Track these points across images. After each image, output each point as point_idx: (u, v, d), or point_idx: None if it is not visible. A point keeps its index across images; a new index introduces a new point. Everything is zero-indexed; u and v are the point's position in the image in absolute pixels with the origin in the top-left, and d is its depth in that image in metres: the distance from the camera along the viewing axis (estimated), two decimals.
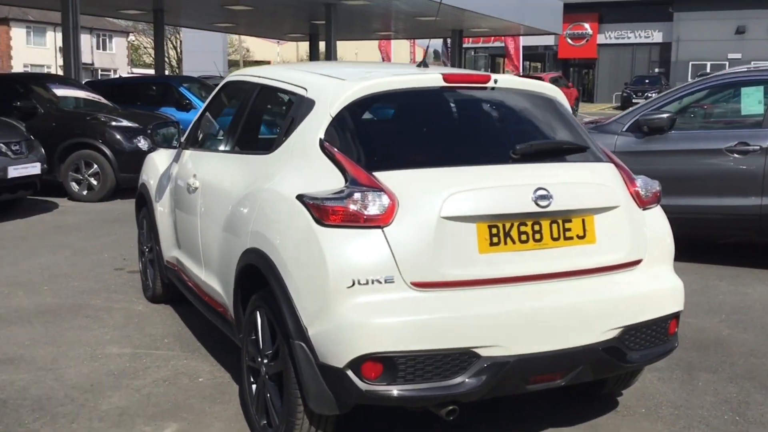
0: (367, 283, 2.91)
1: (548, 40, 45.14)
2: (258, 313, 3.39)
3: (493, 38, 41.57)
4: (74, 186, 10.60)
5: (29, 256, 7.10)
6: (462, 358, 2.94)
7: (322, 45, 25.22)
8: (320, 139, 3.28)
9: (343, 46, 24.81)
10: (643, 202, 3.49)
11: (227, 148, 4.31)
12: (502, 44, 40.70)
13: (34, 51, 63.15)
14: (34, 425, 3.60)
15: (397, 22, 25.38)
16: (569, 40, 47.98)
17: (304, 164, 3.32)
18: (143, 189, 5.51)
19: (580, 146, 3.53)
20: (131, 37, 72.23)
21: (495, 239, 3.06)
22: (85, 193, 10.56)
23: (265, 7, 20.88)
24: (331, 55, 20.70)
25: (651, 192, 3.54)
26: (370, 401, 2.96)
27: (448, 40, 32.94)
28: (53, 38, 64.59)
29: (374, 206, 2.96)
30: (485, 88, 3.58)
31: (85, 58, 68.34)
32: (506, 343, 2.99)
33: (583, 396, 3.95)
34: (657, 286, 3.40)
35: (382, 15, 22.55)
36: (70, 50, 12.97)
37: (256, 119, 4.41)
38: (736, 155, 6.57)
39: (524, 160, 3.29)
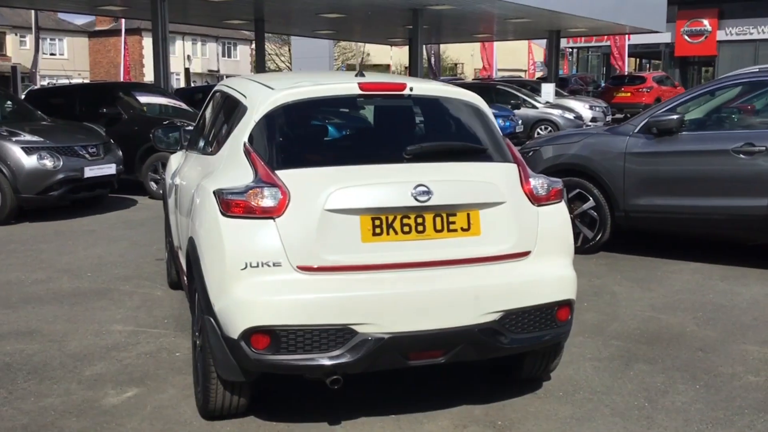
0: (257, 266, 3.38)
1: (665, 38, 43.74)
2: (195, 293, 3.93)
3: (597, 37, 40.77)
4: (153, 185, 11.57)
5: (89, 247, 7.97)
6: (339, 334, 3.36)
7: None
8: (244, 142, 3.77)
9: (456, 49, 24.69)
10: (537, 199, 3.78)
11: (197, 150, 4.89)
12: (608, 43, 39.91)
13: None
14: (23, 385, 4.28)
15: (489, 25, 25.53)
16: (686, 38, 46.30)
17: (230, 163, 3.82)
18: (162, 185, 6.19)
19: (473, 148, 3.86)
20: (254, 45, 75.52)
21: (378, 230, 3.45)
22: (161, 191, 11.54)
23: (356, 15, 21.62)
24: (419, 59, 21.17)
25: (546, 190, 3.81)
26: (261, 369, 3.43)
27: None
28: (182, 47, 68.38)
29: (268, 200, 3.43)
30: (402, 95, 3.97)
31: (212, 65, 72.04)
32: (381, 322, 3.38)
33: (506, 379, 4.25)
34: (543, 276, 3.69)
35: (470, 19, 22.79)
36: (159, 59, 14.04)
37: (219, 124, 4.95)
38: (742, 156, 6.57)
39: (414, 160, 3.66)
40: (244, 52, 75.78)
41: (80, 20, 63.38)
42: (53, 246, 8.02)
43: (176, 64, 66.92)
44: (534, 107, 21.28)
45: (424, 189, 3.47)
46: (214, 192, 3.58)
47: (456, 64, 71.89)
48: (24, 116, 10.62)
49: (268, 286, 3.37)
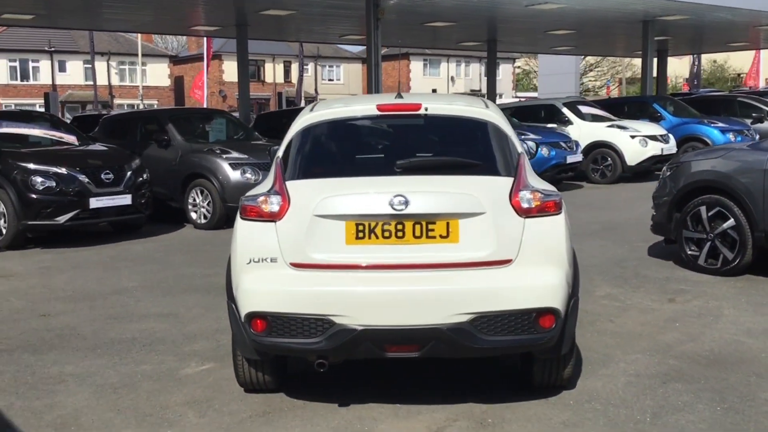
0: (258, 261, 4.01)
1: None
2: None
3: None
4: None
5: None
6: (319, 323, 3.87)
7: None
8: (278, 157, 4.43)
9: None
10: (524, 212, 3.98)
11: None
12: None
13: (429, 80, 70.03)
14: (133, 354, 5.28)
15: (742, 33, 23.78)
16: None
17: (269, 175, 4.49)
18: None
19: (461, 162, 4.16)
20: (517, 63, 76.22)
21: (360, 234, 3.92)
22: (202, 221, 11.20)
23: (586, 30, 21.42)
24: (648, 71, 20.47)
25: (536, 203, 3.99)
26: (261, 348, 4.04)
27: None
28: (446, 69, 71.15)
29: (273, 206, 4.05)
30: (417, 115, 4.38)
31: (474, 84, 73.99)
32: (356, 315, 3.83)
33: (520, 385, 4.44)
34: (522, 284, 3.89)
35: (712, 28, 21.52)
36: (372, 82, 15.20)
37: None
38: None
39: (404, 173, 4.06)
40: (506, 71, 76.77)
41: (356, 49, 68.43)
42: None
43: (440, 85, 70.09)
44: None
45: (402, 199, 3.87)
46: (241, 199, 4.27)
47: (739, 75, 66.89)
48: (245, 138, 12.21)
49: (266, 279, 3.98)
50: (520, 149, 4.39)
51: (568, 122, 16.30)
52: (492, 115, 4.45)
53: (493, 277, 3.90)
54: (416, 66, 69.99)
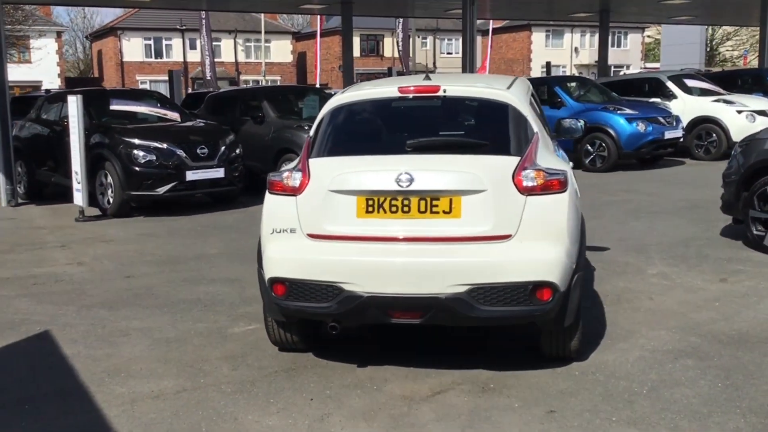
0: (280, 231, 4.41)
1: None
2: None
3: None
4: None
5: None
6: (329, 289, 4.23)
7: None
8: (309, 136, 4.80)
9: None
10: (526, 189, 4.17)
11: None
12: None
13: (552, 52, 68.52)
14: (193, 313, 5.83)
15: None
16: None
17: (300, 153, 4.88)
18: None
19: (469, 142, 4.39)
20: (647, 32, 73.22)
21: (370, 209, 4.24)
22: None
23: None
24: (766, 40, 19.43)
25: (538, 182, 4.17)
26: (282, 311, 4.45)
27: None
28: (570, 40, 69.30)
29: (294, 181, 4.43)
30: (436, 96, 4.63)
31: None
32: (363, 283, 4.17)
33: (535, 357, 4.65)
34: (520, 258, 4.10)
35: None
36: (467, 55, 15.25)
37: None
38: None
39: (414, 152, 4.34)
40: (634, 41, 73.96)
41: (478, 22, 67.78)
42: None
43: (563, 57, 68.47)
44: None
45: (408, 176, 4.16)
46: (269, 174, 4.66)
47: None
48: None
49: (286, 248, 4.38)
50: (536, 129, 4.56)
51: (673, 96, 15.83)
52: (509, 96, 4.64)
53: (491, 251, 4.13)
54: (538, 37, 68.54)
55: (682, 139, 14.84)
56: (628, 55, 73.28)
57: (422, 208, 4.19)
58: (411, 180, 4.16)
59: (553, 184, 4.22)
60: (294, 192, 4.42)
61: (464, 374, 4.47)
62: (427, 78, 4.93)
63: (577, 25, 67.05)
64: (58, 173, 11.44)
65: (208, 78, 35.22)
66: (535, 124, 4.60)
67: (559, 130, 6.48)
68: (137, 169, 10.23)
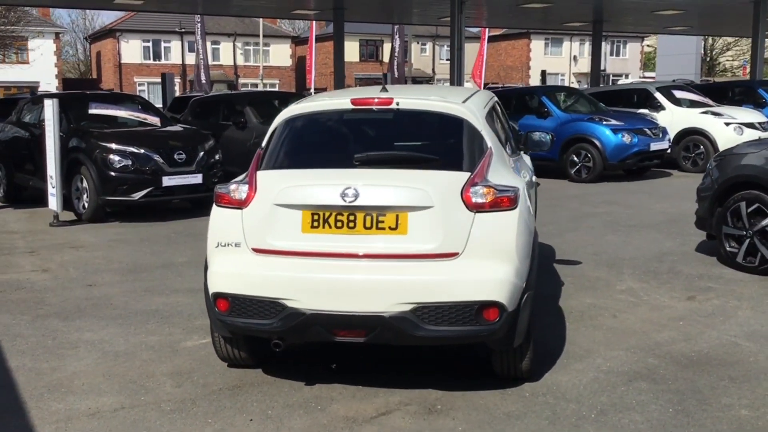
0: (225, 245, 4.30)
1: None
2: None
3: None
4: None
5: None
6: (272, 306, 4.12)
7: None
8: (260, 148, 4.70)
9: None
10: (475, 206, 4.06)
11: None
12: None
13: (551, 60, 68.51)
14: (149, 326, 5.73)
15: None
16: None
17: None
18: None
19: (418, 157, 4.28)
20: (646, 42, 73.18)
21: (315, 224, 4.13)
22: None
23: (695, 9, 20.48)
24: (759, 51, 19.36)
25: (488, 198, 4.06)
26: (226, 327, 4.34)
27: None
28: (569, 48, 69.28)
29: (241, 194, 4.32)
30: (389, 109, 4.53)
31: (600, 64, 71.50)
32: (305, 300, 4.06)
33: (488, 376, 4.53)
34: (467, 276, 3.99)
35: None
36: (455, 62, 15.16)
37: None
38: None
39: (361, 167, 4.23)
40: (633, 50, 73.95)
41: (475, 29, 67.95)
42: None
43: (562, 65, 68.44)
44: None
45: (353, 191, 4.05)
46: (216, 186, 4.56)
47: None
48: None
49: (230, 262, 4.27)
50: (490, 144, 4.46)
51: (661, 108, 15.74)
52: (462, 110, 4.53)
53: (437, 270, 4.02)
54: (537, 45, 68.52)
55: (669, 151, 14.76)
56: (627, 64, 73.30)
57: (368, 224, 4.09)
58: (356, 195, 4.05)
59: (502, 201, 4.11)
60: (240, 205, 4.32)
61: (413, 394, 4.36)
62: (384, 90, 4.83)
63: (576, 33, 67.02)
64: (36, 177, 11.32)
65: (203, 81, 35.06)
66: (489, 139, 4.49)
67: (527, 143, 6.40)
68: (112, 174, 10.12)
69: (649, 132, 14.03)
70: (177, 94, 28.24)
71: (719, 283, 6.67)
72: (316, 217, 4.14)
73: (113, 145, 10.28)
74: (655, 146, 13.99)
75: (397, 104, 4.51)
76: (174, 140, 10.97)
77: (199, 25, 35.52)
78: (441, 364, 4.85)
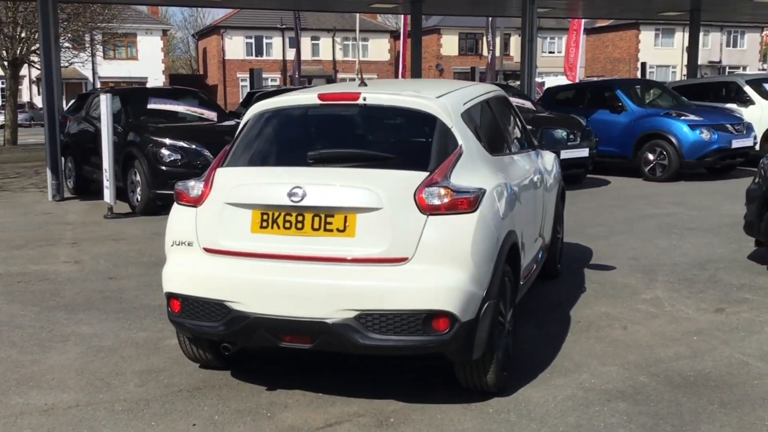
0: (179, 244, 4.21)
1: None
2: None
3: None
4: None
5: None
6: (217, 308, 3.99)
7: None
8: (228, 144, 4.57)
9: None
10: (428, 208, 3.79)
11: None
12: None
13: (661, 52, 65.79)
14: (142, 322, 5.73)
15: None
16: None
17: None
18: None
19: (372, 155, 4.03)
20: (766, 32, 69.12)
21: (264, 224, 3.97)
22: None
23: None
24: None
25: (445, 200, 3.78)
26: (179, 328, 4.24)
27: None
28: (681, 39, 66.26)
29: (196, 192, 4.21)
30: (356, 104, 4.31)
31: (713, 56, 68.09)
32: (249, 303, 3.91)
33: (453, 385, 4.26)
34: (415, 283, 3.73)
35: None
36: (525, 55, 14.61)
37: None
38: None
39: (314, 165, 4.03)
40: (752, 40, 69.98)
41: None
42: None
43: (673, 57, 65.48)
44: None
45: (300, 191, 3.86)
46: (176, 183, 4.44)
47: None
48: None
49: (182, 262, 4.18)
50: (460, 142, 4.17)
51: (750, 102, 14.71)
52: (432, 106, 4.24)
53: (384, 275, 3.78)
54: (646, 36, 65.86)
55: (757, 149, 13.77)
56: (745, 56, 69.49)
57: (316, 225, 3.89)
58: (304, 195, 3.86)
59: (461, 203, 3.82)
60: (195, 203, 4.21)
61: (373, 404, 4.13)
62: (363, 84, 4.61)
63: (687, 23, 63.93)
64: (99, 170, 11.67)
65: (296, 76, 35.61)
66: (461, 137, 4.20)
67: (542, 140, 6.03)
68: (162, 168, 10.30)
69: (731, 128, 13.11)
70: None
71: (758, 294, 6.08)
72: (265, 217, 3.98)
73: (165, 140, 10.47)
74: (737, 143, 13.07)
75: (364, 99, 4.28)
76: (229, 135, 11.02)
77: (296, 21, 36.05)
78: (424, 371, 4.57)
